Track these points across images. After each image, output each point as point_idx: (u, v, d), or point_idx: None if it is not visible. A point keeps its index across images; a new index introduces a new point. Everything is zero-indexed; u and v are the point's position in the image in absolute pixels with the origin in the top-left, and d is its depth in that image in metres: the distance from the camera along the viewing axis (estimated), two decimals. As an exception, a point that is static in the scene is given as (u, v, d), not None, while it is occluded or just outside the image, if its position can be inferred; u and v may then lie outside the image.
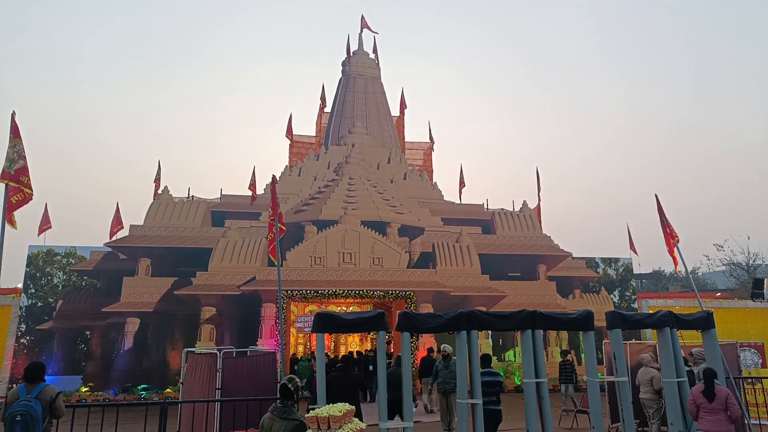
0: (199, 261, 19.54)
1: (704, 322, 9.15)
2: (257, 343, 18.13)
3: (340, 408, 4.15)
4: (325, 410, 4.11)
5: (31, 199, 7.29)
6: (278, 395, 4.66)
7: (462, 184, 25.99)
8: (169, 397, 16.26)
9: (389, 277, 20.21)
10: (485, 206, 23.85)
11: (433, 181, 25.91)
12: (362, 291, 19.62)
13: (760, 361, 13.97)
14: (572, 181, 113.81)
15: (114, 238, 19.77)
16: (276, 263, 8.32)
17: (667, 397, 8.71)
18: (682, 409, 8.52)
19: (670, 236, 10.34)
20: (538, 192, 23.93)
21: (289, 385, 4.47)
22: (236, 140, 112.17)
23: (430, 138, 28.71)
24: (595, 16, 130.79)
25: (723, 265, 34.35)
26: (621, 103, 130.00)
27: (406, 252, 20.96)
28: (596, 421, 8.11)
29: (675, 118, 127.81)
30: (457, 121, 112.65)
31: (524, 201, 23.73)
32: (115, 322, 18.48)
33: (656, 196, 11.10)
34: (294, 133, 27.78)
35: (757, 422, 10.94)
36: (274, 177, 9.86)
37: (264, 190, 23.03)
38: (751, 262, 33.07)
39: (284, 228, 8.84)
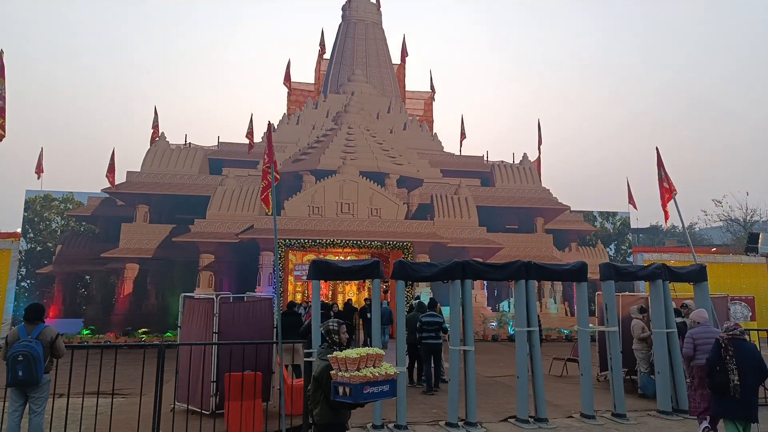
0: (197, 208, 19.54)
1: (697, 275, 9.23)
2: (255, 290, 18.39)
3: (358, 351, 4.16)
4: (344, 353, 4.16)
5: (3, 137, 7.14)
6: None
7: (462, 135, 25.67)
8: (169, 341, 16.62)
9: (387, 227, 20.28)
10: (485, 158, 23.66)
11: (433, 131, 25.59)
12: (360, 241, 19.73)
13: (750, 314, 14.20)
14: (574, 134, 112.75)
15: (111, 185, 19.69)
16: (269, 212, 8.28)
17: (655, 347, 8.89)
18: (670, 359, 8.70)
19: (668, 190, 10.28)
20: (539, 145, 23.70)
21: (321, 329, 4.72)
22: (234, 87, 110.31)
23: (431, 88, 28.15)
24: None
25: (720, 220, 34.44)
26: (625, 55, 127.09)
27: (404, 203, 20.95)
28: (585, 368, 8.30)
29: (679, 73, 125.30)
30: (460, 72, 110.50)
31: (524, 153, 23.54)
32: (114, 268, 18.66)
33: (657, 149, 10.98)
34: (292, 80, 27.20)
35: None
36: (270, 124, 9.67)
37: (262, 138, 22.77)
38: (748, 218, 33.14)
39: (278, 176, 8.74)
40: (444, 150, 23.98)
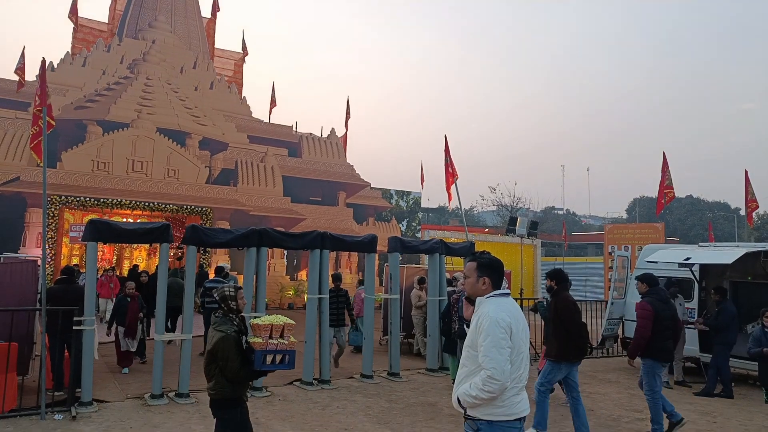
0: (-60, 152, 16.08)
1: (467, 251, 10.54)
2: (18, 251, 15.90)
3: (285, 319, 4.06)
4: (271, 319, 4.00)
5: None
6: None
7: (273, 103, 25.26)
8: None
9: (185, 191, 19.13)
10: (294, 129, 23.65)
11: (242, 95, 24.66)
12: (153, 203, 18.31)
13: (506, 285, 16.72)
14: (381, 114, 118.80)
15: None
16: (40, 163, 7.22)
17: (429, 313, 9.99)
18: (440, 323, 9.86)
19: (451, 174, 11.51)
20: (346, 121, 24.48)
21: (215, 295, 4.24)
22: (4, 13, 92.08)
23: (243, 48, 27.02)
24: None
25: (494, 205, 39.76)
26: (425, 49, 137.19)
27: (206, 166, 19.95)
28: (368, 333, 8.98)
29: (469, 67, 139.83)
30: (275, 38, 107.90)
31: (332, 128, 24.11)
32: None
33: (445, 137, 12.18)
34: (80, 15, 23.73)
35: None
36: (44, 61, 8.31)
37: (36, 77, 19.51)
38: (515, 204, 38.79)
39: (53, 122, 7.63)
40: (252, 116, 23.34)
